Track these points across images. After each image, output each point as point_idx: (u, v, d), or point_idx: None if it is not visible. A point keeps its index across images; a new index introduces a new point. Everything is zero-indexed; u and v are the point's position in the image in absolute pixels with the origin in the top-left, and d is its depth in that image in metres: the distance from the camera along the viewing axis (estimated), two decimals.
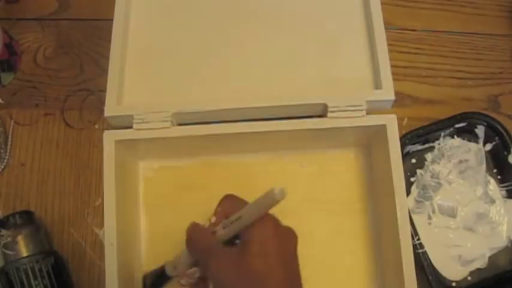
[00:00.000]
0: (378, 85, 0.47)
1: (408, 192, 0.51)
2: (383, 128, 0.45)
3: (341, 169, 0.50)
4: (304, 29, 0.50)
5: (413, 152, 0.52)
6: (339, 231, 0.48)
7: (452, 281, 0.49)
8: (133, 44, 0.50)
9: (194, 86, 0.49)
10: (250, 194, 0.49)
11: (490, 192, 0.51)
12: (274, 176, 0.50)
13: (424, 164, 0.52)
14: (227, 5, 0.52)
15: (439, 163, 0.52)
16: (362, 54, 0.49)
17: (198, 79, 0.49)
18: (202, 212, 0.49)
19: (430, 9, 0.60)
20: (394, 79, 0.45)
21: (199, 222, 0.48)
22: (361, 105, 0.45)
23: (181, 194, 0.50)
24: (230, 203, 0.39)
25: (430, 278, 0.47)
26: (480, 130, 0.52)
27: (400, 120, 0.53)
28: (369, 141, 0.49)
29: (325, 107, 0.45)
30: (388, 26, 0.48)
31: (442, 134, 0.52)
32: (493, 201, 0.51)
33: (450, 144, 0.52)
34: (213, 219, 0.39)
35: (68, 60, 0.57)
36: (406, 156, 0.52)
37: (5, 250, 0.46)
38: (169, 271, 0.43)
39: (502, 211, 0.50)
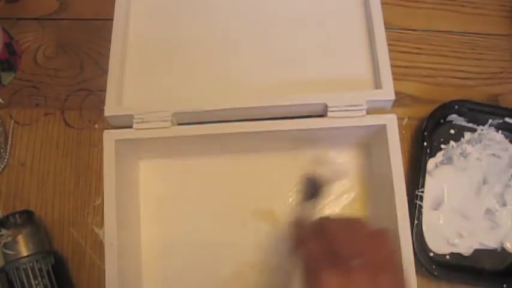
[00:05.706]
0: (378, 85, 0.47)
1: (433, 155, 0.52)
2: (383, 128, 0.45)
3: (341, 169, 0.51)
4: (304, 29, 0.50)
5: (456, 124, 0.53)
6: None
7: (431, 251, 0.49)
8: (133, 44, 0.50)
9: (194, 86, 0.49)
10: (250, 194, 0.49)
11: (506, 195, 0.51)
12: (274, 176, 0.50)
13: (460, 139, 0.53)
14: (227, 5, 0.52)
15: (473, 146, 0.52)
16: (362, 54, 0.49)
17: (198, 79, 0.49)
18: (202, 211, 0.49)
19: (430, 9, 0.60)
20: (394, 79, 0.46)
21: (199, 221, 0.48)
22: (361, 105, 0.45)
23: (181, 193, 0.50)
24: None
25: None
26: None
27: (400, 120, 0.53)
28: (369, 141, 0.49)
29: (325, 107, 0.45)
30: (388, 26, 0.48)
31: (490, 121, 0.52)
32: (504, 204, 0.51)
33: (492, 136, 0.52)
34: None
35: (68, 60, 0.57)
36: (446, 123, 0.53)
37: (5, 250, 0.46)
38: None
39: (509, 218, 0.50)
